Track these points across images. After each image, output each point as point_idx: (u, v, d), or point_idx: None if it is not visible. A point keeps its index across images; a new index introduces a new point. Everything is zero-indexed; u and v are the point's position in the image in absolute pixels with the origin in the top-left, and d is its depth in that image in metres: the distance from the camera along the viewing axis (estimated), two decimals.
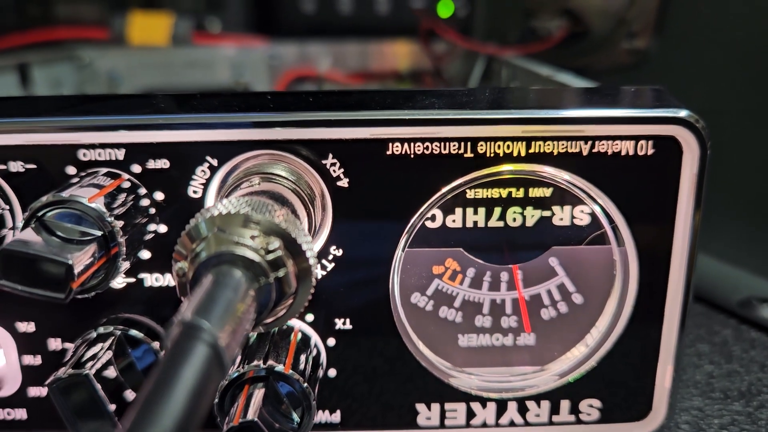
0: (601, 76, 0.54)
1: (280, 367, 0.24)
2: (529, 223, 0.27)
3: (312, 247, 0.21)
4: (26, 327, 0.27)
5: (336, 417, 0.28)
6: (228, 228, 0.20)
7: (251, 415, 0.23)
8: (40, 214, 0.22)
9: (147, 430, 0.14)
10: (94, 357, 0.25)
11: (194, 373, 0.16)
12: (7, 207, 0.25)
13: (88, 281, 0.23)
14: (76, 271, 0.21)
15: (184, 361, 0.16)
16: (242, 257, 0.19)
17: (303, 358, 0.26)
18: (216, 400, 0.25)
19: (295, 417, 0.24)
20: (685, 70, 0.49)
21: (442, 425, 0.29)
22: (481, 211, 0.27)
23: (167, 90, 0.64)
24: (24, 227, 0.22)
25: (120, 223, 0.23)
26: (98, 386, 0.24)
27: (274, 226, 0.20)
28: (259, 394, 0.24)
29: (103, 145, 0.25)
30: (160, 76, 0.67)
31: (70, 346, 0.27)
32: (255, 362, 0.25)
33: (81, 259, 0.21)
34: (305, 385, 0.24)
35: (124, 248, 0.23)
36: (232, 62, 0.68)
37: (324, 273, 0.26)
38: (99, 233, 0.23)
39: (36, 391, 0.28)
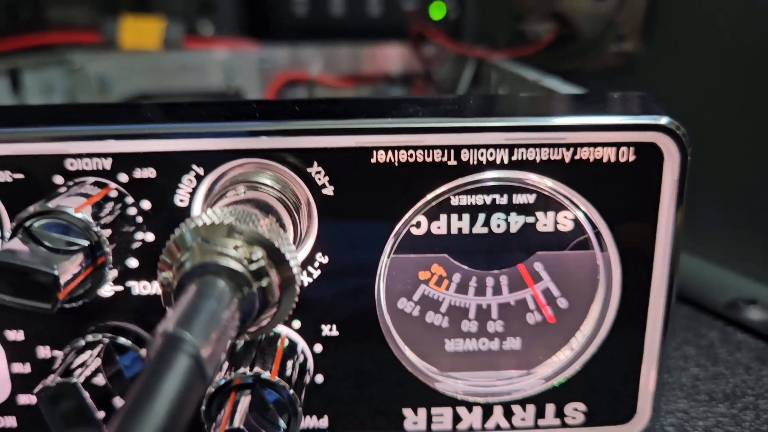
0: (589, 79, 0.54)
1: (266, 374, 0.25)
2: (513, 229, 0.27)
3: (296, 256, 0.21)
4: (15, 335, 0.27)
5: (324, 422, 0.28)
6: (212, 238, 0.20)
7: (237, 422, 0.23)
8: (27, 224, 0.23)
9: None
10: (83, 365, 0.25)
11: (176, 384, 0.16)
12: None
13: (75, 291, 0.23)
14: (63, 281, 0.21)
15: (166, 373, 0.16)
16: (225, 267, 0.19)
17: (290, 364, 0.26)
18: (203, 407, 0.25)
19: (282, 424, 0.25)
20: (672, 73, 0.49)
21: (429, 430, 0.29)
22: (466, 217, 0.27)
23: (158, 94, 0.65)
24: (11, 237, 0.22)
25: (107, 232, 0.24)
26: (86, 394, 0.24)
27: (257, 236, 0.20)
28: (245, 401, 0.24)
29: (90, 155, 0.25)
30: (152, 80, 0.67)
31: (59, 353, 0.27)
32: (241, 369, 0.25)
33: (67, 269, 0.21)
34: (291, 392, 0.25)
35: (111, 257, 0.24)
36: (223, 66, 0.68)
37: (310, 280, 0.27)
38: (86, 243, 0.23)
39: (26, 399, 0.28)
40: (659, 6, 0.49)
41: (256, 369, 0.25)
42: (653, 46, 0.50)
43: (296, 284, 0.21)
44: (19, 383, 0.28)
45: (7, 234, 0.26)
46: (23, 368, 0.28)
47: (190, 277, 0.19)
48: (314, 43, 0.70)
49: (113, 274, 0.25)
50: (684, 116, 0.46)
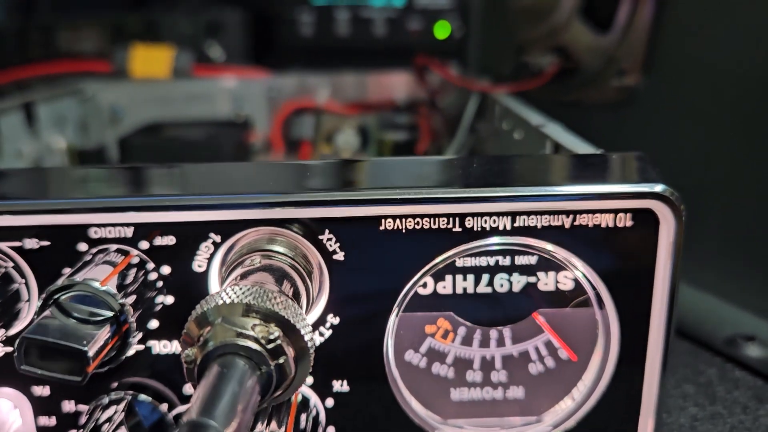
0: (591, 111, 0.55)
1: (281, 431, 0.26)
2: (516, 288, 0.28)
3: (310, 330, 0.23)
4: (41, 391, 0.29)
5: None
6: (231, 317, 0.21)
7: None
8: (56, 296, 0.24)
9: None
10: (109, 420, 0.27)
11: None
12: (23, 281, 0.27)
13: (102, 359, 0.24)
14: (91, 355, 0.23)
15: None
16: (245, 347, 0.21)
17: (303, 418, 0.28)
18: None
19: None
20: (673, 108, 0.50)
21: None
22: (470, 277, 0.28)
23: (169, 123, 0.66)
24: (41, 310, 0.24)
25: (131, 300, 0.25)
26: None
27: (273, 314, 0.22)
28: None
29: (113, 225, 0.26)
30: (162, 109, 0.68)
31: (83, 407, 0.29)
32: (258, 427, 0.26)
33: (96, 343, 0.23)
34: None
35: (135, 324, 0.25)
36: (232, 94, 0.69)
37: (322, 339, 0.28)
38: (111, 313, 0.24)
39: None
40: (660, 41, 0.50)
41: (272, 426, 0.26)
42: (654, 81, 0.51)
43: (310, 357, 0.22)
44: None
45: (35, 298, 0.27)
46: (49, 421, 0.29)
47: (212, 357, 0.21)
48: (321, 71, 0.71)
49: (137, 337, 0.26)
50: (684, 149, 0.47)
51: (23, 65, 0.73)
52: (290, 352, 0.22)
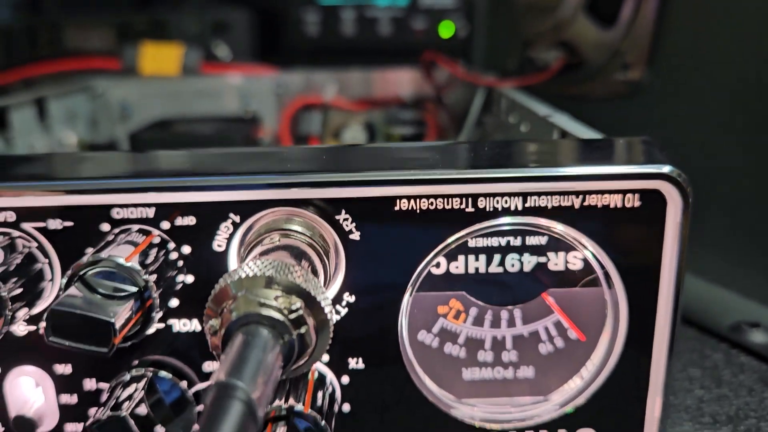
0: (596, 105, 0.56)
1: (300, 407, 0.27)
2: (527, 268, 0.29)
3: (329, 302, 0.23)
4: (63, 369, 0.29)
5: None
6: (254, 289, 0.22)
7: None
8: (81, 272, 0.25)
9: None
10: (129, 397, 0.27)
11: (232, 426, 0.18)
12: (47, 261, 0.28)
13: (126, 333, 0.25)
14: (118, 326, 0.23)
15: (223, 418, 0.18)
16: (268, 317, 0.22)
17: (320, 395, 0.28)
18: None
19: None
20: (677, 101, 0.51)
21: None
22: (482, 257, 0.29)
23: (178, 119, 0.67)
24: (67, 286, 0.25)
25: (153, 278, 0.26)
26: (135, 428, 0.26)
27: (294, 286, 0.23)
28: None
29: (135, 205, 0.27)
30: (171, 105, 0.69)
31: (104, 385, 0.29)
32: (276, 402, 0.27)
33: (122, 315, 0.24)
34: (323, 423, 0.27)
35: (158, 301, 0.26)
36: (240, 91, 0.70)
37: (338, 317, 0.29)
38: (135, 289, 0.25)
39: (72, 428, 0.30)
40: (665, 35, 0.51)
41: (291, 401, 0.27)
42: (659, 74, 0.52)
43: (330, 328, 0.23)
44: (67, 413, 0.30)
45: (58, 278, 0.28)
46: (70, 399, 0.30)
47: (236, 326, 0.21)
48: (327, 68, 0.72)
49: (159, 314, 0.27)
50: (689, 141, 0.48)
51: (32, 62, 0.74)
52: (311, 322, 0.22)
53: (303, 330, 0.22)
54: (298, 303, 0.22)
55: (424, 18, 0.94)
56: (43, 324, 0.28)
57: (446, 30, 0.96)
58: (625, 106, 0.54)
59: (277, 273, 0.23)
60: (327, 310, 0.23)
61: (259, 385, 0.19)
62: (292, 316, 0.22)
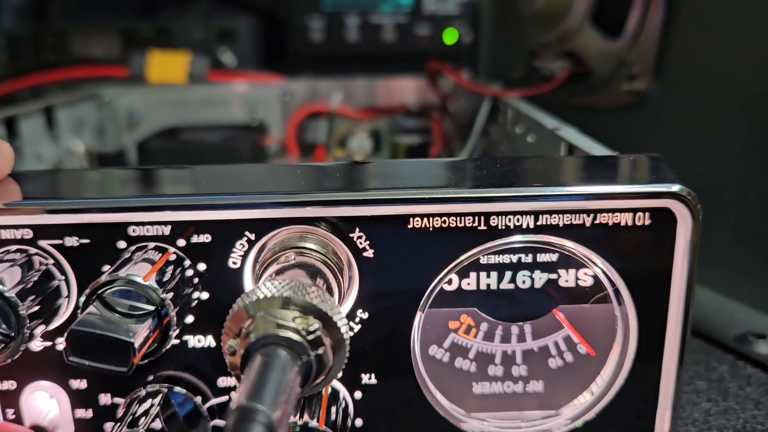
0: (602, 115, 0.56)
1: (314, 423, 0.27)
2: (538, 284, 0.29)
3: (345, 322, 0.24)
4: (79, 384, 0.30)
5: None
6: (271, 310, 0.22)
7: None
8: (99, 291, 0.25)
9: None
10: (145, 413, 0.28)
11: None
12: (63, 278, 0.28)
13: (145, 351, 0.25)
14: (137, 346, 0.24)
15: None
16: (287, 338, 0.22)
17: (333, 410, 0.29)
18: None
19: None
20: (683, 111, 0.51)
21: None
22: (494, 274, 0.29)
23: (185, 127, 0.67)
24: (85, 305, 0.25)
25: (170, 296, 0.26)
26: None
27: (311, 307, 0.23)
28: None
29: (151, 223, 0.27)
30: (178, 113, 0.69)
31: (119, 400, 0.30)
32: (291, 419, 0.27)
33: (140, 335, 0.24)
34: None
35: (175, 319, 0.26)
36: (246, 99, 0.71)
37: (351, 334, 0.29)
38: (152, 308, 0.25)
39: None
40: (670, 46, 0.51)
41: (305, 418, 0.27)
42: (665, 85, 0.52)
43: (346, 347, 0.23)
44: (82, 427, 0.30)
45: (74, 294, 0.28)
46: (85, 414, 0.30)
47: (255, 348, 0.22)
48: (333, 76, 0.72)
49: (175, 332, 0.27)
50: (694, 152, 0.48)
51: (38, 70, 0.75)
52: (328, 342, 0.23)
53: (321, 351, 0.22)
54: (315, 324, 0.22)
55: (428, 24, 0.94)
56: (59, 340, 0.29)
57: (450, 36, 0.96)
58: (631, 116, 0.55)
59: (294, 294, 0.23)
60: (343, 330, 0.23)
61: (280, 407, 0.20)
62: (310, 337, 0.22)
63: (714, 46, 0.48)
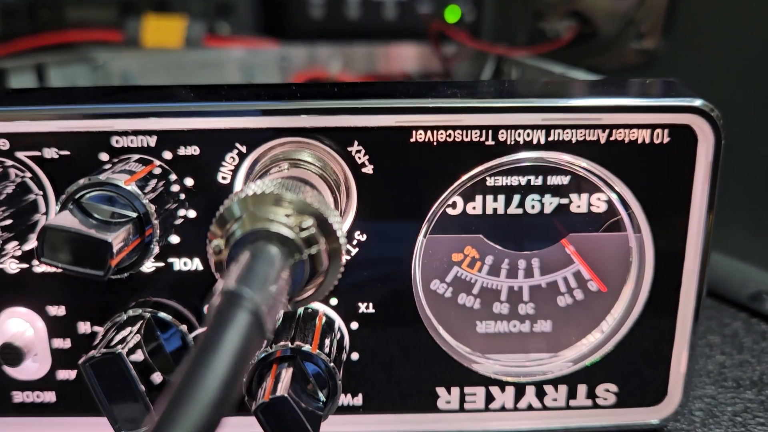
0: (610, 76, 0.55)
1: (307, 347, 0.25)
2: (547, 210, 0.27)
3: (342, 226, 0.22)
4: (56, 311, 0.28)
5: (358, 400, 0.29)
6: (262, 207, 0.21)
7: (281, 391, 0.23)
8: (76, 196, 0.23)
9: (194, 389, 0.15)
10: (123, 340, 0.26)
11: (238, 337, 0.16)
12: (41, 193, 0.26)
13: (123, 261, 0.23)
14: (115, 249, 0.22)
15: (228, 327, 0.16)
16: (277, 234, 0.20)
17: (328, 341, 0.27)
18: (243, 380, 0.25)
19: (321, 397, 0.25)
20: (693, 70, 0.49)
21: (461, 409, 0.29)
22: (501, 198, 0.27)
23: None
24: (62, 209, 0.23)
25: (154, 207, 0.24)
26: (130, 366, 0.24)
27: (306, 206, 0.21)
28: (287, 372, 0.25)
29: (135, 132, 0.26)
30: (173, 77, 0.67)
31: (99, 329, 0.28)
32: (282, 342, 0.25)
33: (119, 238, 0.22)
34: (331, 364, 0.25)
35: (158, 230, 0.24)
36: (242, 64, 0.69)
37: (348, 258, 0.27)
38: (134, 215, 0.23)
39: (65, 374, 0.29)
40: (680, 2, 0.50)
41: (297, 342, 0.25)
42: (674, 43, 0.51)
43: (342, 254, 0.22)
44: (60, 358, 0.28)
45: (53, 211, 0.26)
46: (63, 343, 0.28)
47: (242, 244, 0.20)
48: (331, 43, 0.71)
49: (157, 249, 0.25)
50: None
51: (34, 35, 0.73)
52: (323, 245, 0.21)
53: (314, 251, 0.20)
54: (309, 221, 0.21)
55: (430, 1, 0.93)
56: (36, 263, 0.27)
57: (452, 14, 0.94)
58: (640, 76, 0.53)
59: (288, 191, 0.21)
60: (340, 233, 0.21)
61: (269, 299, 0.18)
62: (303, 234, 0.20)
63: (725, 2, 0.46)
